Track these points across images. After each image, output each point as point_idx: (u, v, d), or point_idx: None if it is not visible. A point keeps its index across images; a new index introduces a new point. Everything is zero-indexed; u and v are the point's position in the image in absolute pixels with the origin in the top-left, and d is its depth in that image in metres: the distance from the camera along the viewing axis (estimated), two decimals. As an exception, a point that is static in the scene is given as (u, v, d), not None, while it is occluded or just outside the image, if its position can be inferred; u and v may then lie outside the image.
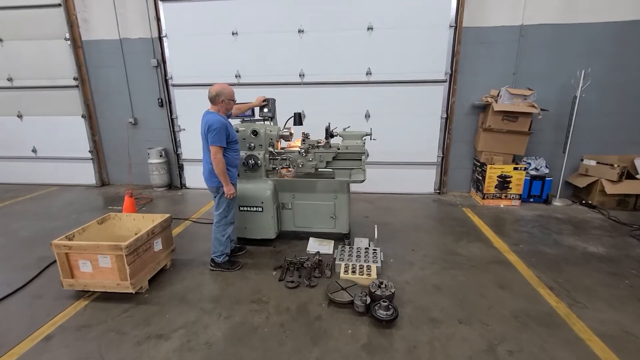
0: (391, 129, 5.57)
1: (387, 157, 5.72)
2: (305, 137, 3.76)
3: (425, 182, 5.83)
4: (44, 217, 5.12)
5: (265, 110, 3.89)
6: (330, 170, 3.86)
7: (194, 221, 4.78)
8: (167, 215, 3.50)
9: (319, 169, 3.80)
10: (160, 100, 6.08)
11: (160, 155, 6.21)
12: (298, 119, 3.97)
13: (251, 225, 3.86)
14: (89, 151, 6.49)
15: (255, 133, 3.74)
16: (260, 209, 3.78)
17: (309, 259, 3.51)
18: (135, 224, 3.55)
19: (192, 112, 5.90)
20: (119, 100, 6.21)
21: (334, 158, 3.74)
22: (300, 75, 5.59)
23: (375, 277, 3.10)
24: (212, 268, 3.44)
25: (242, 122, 3.95)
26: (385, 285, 2.85)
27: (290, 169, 3.77)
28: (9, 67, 6.31)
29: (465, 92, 5.38)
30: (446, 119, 5.52)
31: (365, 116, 5.65)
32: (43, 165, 6.73)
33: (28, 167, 6.77)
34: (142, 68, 5.97)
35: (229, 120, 3.37)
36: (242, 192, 3.76)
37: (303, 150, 3.65)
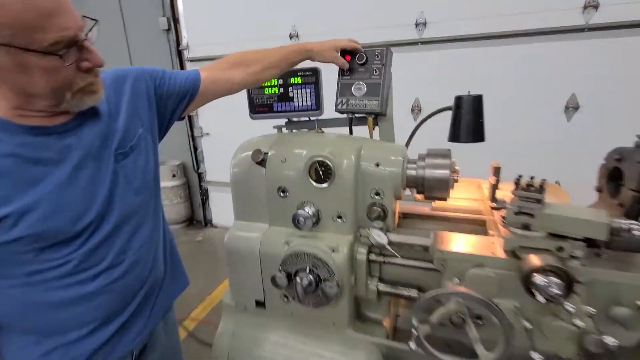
0: None
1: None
2: (537, 189, 0.85)
3: None
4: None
5: (360, 84, 1.12)
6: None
7: (189, 333, 2.27)
8: None
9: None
10: (172, 85, 3.74)
11: (174, 175, 3.89)
12: (473, 118, 1.11)
13: None
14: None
15: (327, 170, 1.00)
16: None
17: None
18: None
19: (219, 104, 3.42)
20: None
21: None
22: (417, 25, 2.69)
23: None
24: None
25: (285, 126, 1.29)
26: None
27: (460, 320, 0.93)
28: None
29: None
30: None
31: (566, 109, 2.54)
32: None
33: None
34: (148, 32, 3.69)
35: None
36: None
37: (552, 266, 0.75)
